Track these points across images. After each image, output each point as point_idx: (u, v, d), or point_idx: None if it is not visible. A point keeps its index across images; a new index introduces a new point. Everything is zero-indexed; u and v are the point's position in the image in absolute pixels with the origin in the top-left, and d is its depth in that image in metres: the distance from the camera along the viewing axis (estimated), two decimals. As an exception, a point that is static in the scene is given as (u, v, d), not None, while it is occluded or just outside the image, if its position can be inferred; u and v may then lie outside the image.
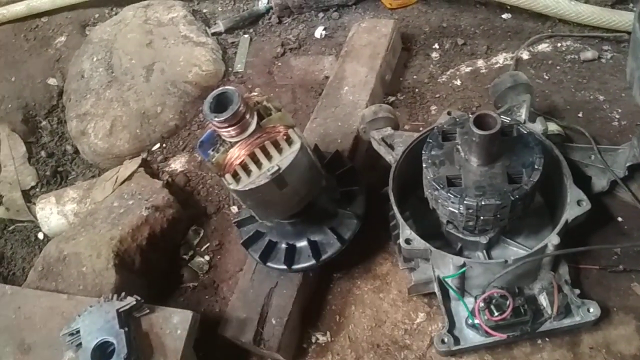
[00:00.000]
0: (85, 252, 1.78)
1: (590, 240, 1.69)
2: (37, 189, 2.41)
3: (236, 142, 1.41)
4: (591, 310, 1.51)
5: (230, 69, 2.58)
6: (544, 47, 2.29)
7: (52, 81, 2.72)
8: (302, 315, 1.72)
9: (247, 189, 1.40)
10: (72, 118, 2.45)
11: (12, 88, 2.70)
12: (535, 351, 1.55)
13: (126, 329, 1.48)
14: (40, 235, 2.25)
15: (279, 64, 2.55)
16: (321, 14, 2.70)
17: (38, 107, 2.65)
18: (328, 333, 1.71)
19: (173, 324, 1.52)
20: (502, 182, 1.40)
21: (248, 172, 1.41)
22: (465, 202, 1.39)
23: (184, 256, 1.97)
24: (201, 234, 2.03)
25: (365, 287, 1.77)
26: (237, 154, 1.41)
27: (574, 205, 1.51)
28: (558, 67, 2.20)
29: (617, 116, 1.98)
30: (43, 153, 2.51)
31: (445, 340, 1.53)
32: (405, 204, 1.72)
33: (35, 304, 1.67)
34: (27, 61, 2.83)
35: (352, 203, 1.72)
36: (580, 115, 2.01)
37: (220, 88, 1.41)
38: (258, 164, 1.41)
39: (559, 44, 2.28)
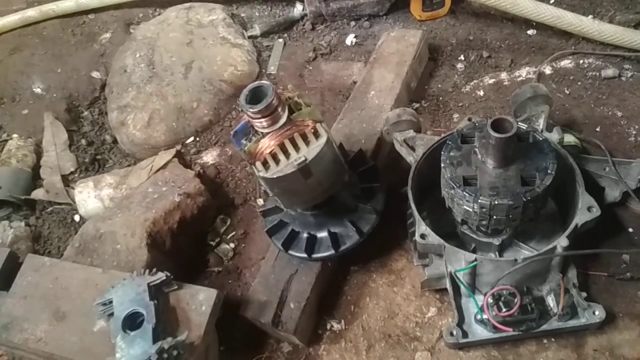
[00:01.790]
0: (121, 231, 1.89)
1: (601, 248, 1.74)
2: (76, 175, 2.51)
3: (267, 133, 1.52)
4: (596, 312, 1.56)
5: (263, 70, 2.69)
6: (566, 63, 2.36)
7: (95, 74, 2.86)
8: (319, 302, 1.81)
9: (275, 176, 1.51)
10: (113, 109, 2.58)
11: (58, 79, 2.84)
12: (541, 350, 1.61)
13: (155, 301, 1.56)
14: (77, 218, 2.34)
15: (310, 67, 2.66)
16: (353, 23, 2.81)
17: (81, 98, 2.78)
18: (342, 321, 1.79)
19: (199, 301, 1.61)
20: (516, 184, 1.47)
21: (277, 161, 1.51)
22: (479, 200, 1.47)
23: (211, 242, 2.07)
24: (228, 223, 2.13)
25: (380, 281, 1.85)
26: (267, 144, 1.52)
27: (585, 211, 1.57)
28: (579, 83, 2.26)
29: (633, 132, 2.04)
30: (83, 141, 2.63)
31: (454, 332, 1.60)
32: (423, 205, 1.79)
33: (72, 275, 1.76)
34: (73, 55, 2.97)
35: (372, 199, 1.81)
36: (597, 129, 2.08)
37: (257, 82, 1.52)
38: (286, 154, 1.52)
39: (581, 61, 2.34)
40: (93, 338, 1.63)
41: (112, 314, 1.59)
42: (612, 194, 1.77)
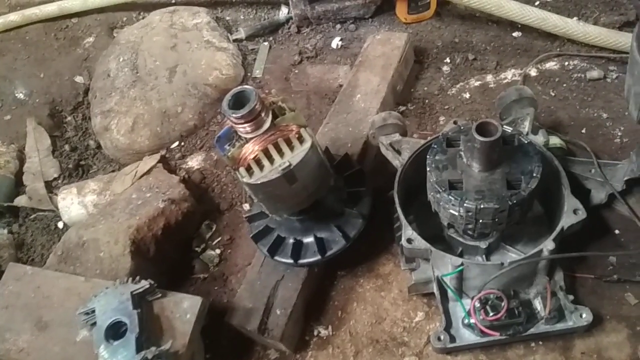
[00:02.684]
0: (104, 239, 1.87)
1: (587, 250, 1.74)
2: (59, 181, 2.49)
3: (251, 138, 1.51)
4: (584, 315, 1.56)
5: (249, 74, 2.68)
6: (551, 65, 2.36)
7: (79, 79, 2.83)
8: (306, 308, 1.79)
9: (259, 182, 1.49)
10: (97, 114, 2.55)
11: (41, 84, 2.81)
12: (528, 353, 1.60)
13: (139, 310, 1.55)
14: (60, 225, 2.32)
15: (296, 71, 2.64)
16: (338, 26, 2.80)
17: (64, 103, 2.76)
18: (330, 327, 1.77)
19: (183, 309, 1.59)
20: (501, 187, 1.46)
21: (261, 166, 1.50)
22: (465, 204, 1.46)
23: (196, 249, 2.05)
24: (213, 229, 2.11)
25: (367, 286, 1.83)
26: (251, 149, 1.50)
27: (571, 213, 1.56)
28: (564, 85, 2.27)
29: (619, 134, 2.04)
30: (67, 147, 2.61)
31: (442, 337, 1.59)
32: (410, 208, 1.78)
33: (54, 284, 1.75)
34: (56, 59, 2.95)
35: (358, 203, 1.80)
36: (583, 131, 2.08)
37: (239, 87, 1.50)
38: (270, 159, 1.50)
39: (566, 63, 2.35)
40: (75, 348, 1.61)
41: (94, 324, 1.57)
42: (598, 196, 1.77)
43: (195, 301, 1.60)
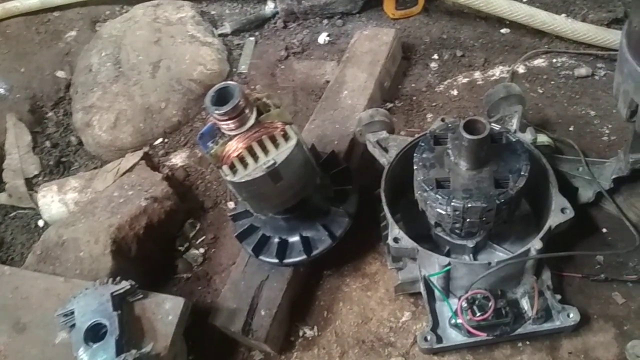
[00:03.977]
0: (84, 238, 1.83)
1: (575, 249, 1.73)
2: (40, 178, 2.44)
3: (235, 136, 1.47)
4: (571, 315, 1.55)
5: (234, 69, 2.64)
6: (539, 62, 2.35)
7: (60, 74, 2.78)
8: (291, 309, 1.76)
9: (242, 180, 1.46)
10: (78, 110, 2.50)
11: (21, 79, 2.75)
12: (516, 354, 1.59)
13: (119, 312, 1.51)
14: (41, 223, 2.28)
15: (282, 66, 2.61)
16: (325, 21, 2.77)
17: (45, 98, 2.70)
18: (315, 327, 1.75)
19: (165, 310, 1.56)
20: (489, 186, 1.45)
21: (245, 164, 1.46)
22: (452, 203, 1.44)
23: (180, 248, 2.01)
24: (197, 227, 2.07)
25: (353, 285, 1.81)
26: (235, 147, 1.47)
27: (558, 212, 1.55)
28: (552, 82, 2.26)
29: (607, 131, 2.04)
30: (48, 143, 2.55)
31: (428, 338, 1.57)
32: (397, 207, 1.76)
33: (33, 285, 1.71)
34: (37, 53, 2.89)
35: (344, 202, 1.77)
36: (571, 129, 2.07)
37: (223, 83, 1.47)
38: (255, 157, 1.47)
39: (554, 60, 2.34)
40: (54, 351, 1.57)
41: (73, 325, 1.53)
42: (586, 194, 1.76)
43: (177, 302, 1.57)
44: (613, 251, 1.73)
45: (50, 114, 2.67)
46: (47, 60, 2.84)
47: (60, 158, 2.52)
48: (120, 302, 1.55)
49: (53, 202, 2.17)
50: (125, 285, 1.56)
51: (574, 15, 2.49)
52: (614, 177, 1.72)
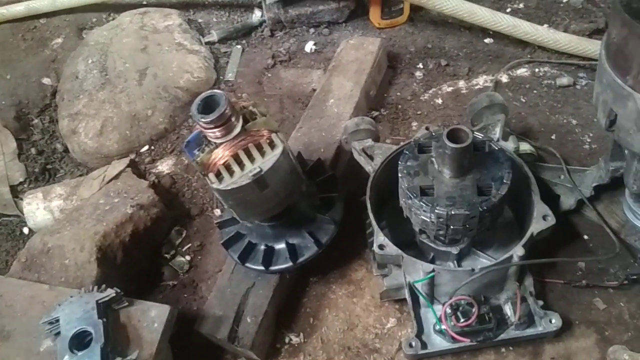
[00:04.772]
0: (69, 245, 1.82)
1: (557, 256, 1.76)
2: (25, 185, 2.42)
3: (221, 143, 1.48)
4: (553, 321, 1.57)
5: (221, 77, 2.65)
6: (522, 71, 2.39)
7: (46, 81, 2.77)
8: (277, 316, 1.77)
9: (228, 188, 1.47)
10: (64, 117, 2.49)
11: (7, 85, 2.73)
12: (499, 359, 1.61)
13: (104, 319, 1.51)
14: (26, 230, 2.26)
15: (269, 75, 2.62)
16: (312, 30, 2.79)
17: (31, 105, 2.68)
18: (301, 334, 1.75)
19: (150, 317, 1.56)
20: (472, 193, 1.47)
21: (231, 172, 1.47)
22: (436, 211, 1.46)
23: (166, 255, 2.01)
24: (183, 235, 2.07)
25: (339, 292, 1.82)
26: (221, 155, 1.48)
27: (540, 219, 1.58)
28: (535, 91, 2.29)
29: (588, 140, 2.07)
30: (33, 150, 2.54)
31: (413, 344, 1.58)
32: (382, 214, 1.78)
33: (17, 292, 1.69)
34: (23, 60, 2.87)
35: (330, 209, 1.78)
36: (553, 137, 2.10)
37: (209, 91, 1.48)
38: (241, 165, 1.48)
39: (537, 70, 2.38)
40: (39, 358, 1.56)
41: (58, 333, 1.52)
42: (568, 201, 1.79)
43: (163, 310, 1.57)
44: (594, 258, 1.76)
45: (35, 121, 2.66)
46: (33, 67, 2.83)
47: (46, 165, 2.50)
48: (106, 309, 1.55)
49: (38, 209, 2.16)
50: (111, 292, 1.55)
51: (556, 26, 2.54)
52: (594, 184, 1.75)
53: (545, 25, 2.50)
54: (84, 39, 2.85)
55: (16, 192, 2.40)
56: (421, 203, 1.48)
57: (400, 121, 2.29)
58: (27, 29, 3.06)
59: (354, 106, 2.17)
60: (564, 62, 2.36)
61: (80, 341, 1.49)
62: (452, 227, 1.50)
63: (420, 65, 2.52)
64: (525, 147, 1.91)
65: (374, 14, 2.70)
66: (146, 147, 2.43)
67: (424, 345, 1.59)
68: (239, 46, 2.80)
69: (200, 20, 2.97)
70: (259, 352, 1.68)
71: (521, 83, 2.33)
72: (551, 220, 1.57)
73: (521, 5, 2.71)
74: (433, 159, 1.54)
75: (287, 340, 1.75)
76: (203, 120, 1.42)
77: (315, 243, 1.72)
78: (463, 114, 2.22)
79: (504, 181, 1.48)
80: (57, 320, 1.53)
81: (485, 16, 2.38)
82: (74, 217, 1.96)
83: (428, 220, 1.50)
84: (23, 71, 2.81)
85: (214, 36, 2.80)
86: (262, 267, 1.72)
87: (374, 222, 1.63)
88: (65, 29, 3.03)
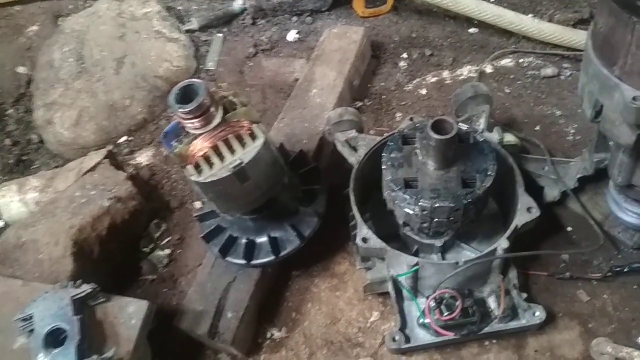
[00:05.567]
0: (44, 240, 1.76)
1: (541, 248, 1.75)
2: (0, 177, 2.37)
3: (200, 135, 1.44)
4: (537, 314, 1.57)
5: (202, 66, 2.60)
6: (507, 62, 2.37)
7: (21, 70, 2.69)
8: (259, 310, 1.74)
9: (208, 181, 1.43)
10: (39, 107, 2.43)
11: (-19, 75, 2.67)
12: (483, 352, 1.60)
13: (80, 316, 1.46)
14: (1, 224, 2.21)
15: (251, 64, 2.58)
16: (295, 18, 2.75)
17: (6, 95, 2.62)
18: (284, 329, 1.73)
19: (128, 314, 1.52)
20: (457, 186, 1.45)
21: (210, 164, 1.43)
22: (420, 203, 1.44)
23: (144, 249, 1.97)
24: (163, 228, 2.02)
25: (322, 286, 1.80)
26: (200, 146, 1.44)
27: (524, 212, 1.56)
28: (519, 82, 2.28)
29: (572, 131, 2.07)
30: (8, 141, 2.48)
31: (397, 338, 1.57)
32: (366, 206, 1.76)
33: (-10, 289, 1.65)
34: (-3, 48, 2.80)
35: (313, 202, 1.76)
36: (537, 128, 2.09)
37: (187, 80, 1.43)
38: (221, 157, 1.44)
39: (521, 60, 2.37)
40: (13, 357, 1.52)
41: (33, 331, 1.48)
42: (552, 193, 1.79)
43: (141, 306, 1.53)
44: (578, 250, 1.75)
45: (10, 111, 2.59)
46: (7, 55, 2.76)
47: (21, 157, 2.45)
48: (82, 306, 1.50)
49: (13, 202, 2.09)
50: (87, 288, 1.51)
51: (541, 16, 2.52)
52: (579, 176, 1.74)
53: (530, 15, 2.48)
54: (60, 27, 2.77)
55: (-10, 184, 2.34)
56: (405, 196, 1.46)
57: (385, 112, 2.27)
58: (2, 17, 2.97)
59: (337, 97, 2.14)
60: (549, 52, 2.35)
61: (55, 339, 1.45)
62: (436, 219, 1.48)
63: (405, 55, 2.49)
64: (510, 138, 1.89)
65: (358, 2, 2.66)
66: (124, 138, 2.38)
67: (407, 340, 1.58)
68: (220, 35, 2.75)
69: (180, 8, 2.90)
70: (240, 347, 1.65)
71: (506, 74, 2.32)
72: (536, 213, 1.56)
73: (506, -5, 2.70)
74: (417, 151, 1.52)
75: (269, 335, 1.73)
76: (181, 110, 1.38)
77: (297, 236, 1.69)
78: (448, 105, 2.20)
79: (489, 173, 1.47)
80: (32, 317, 1.49)
81: (470, 5, 2.36)
82: (49, 210, 1.90)
83: (412, 213, 1.48)
84: (-3, 60, 2.73)
85: (194, 24, 2.74)
86: (243, 261, 1.68)
87: (357, 215, 1.61)
88: (41, 17, 2.95)
